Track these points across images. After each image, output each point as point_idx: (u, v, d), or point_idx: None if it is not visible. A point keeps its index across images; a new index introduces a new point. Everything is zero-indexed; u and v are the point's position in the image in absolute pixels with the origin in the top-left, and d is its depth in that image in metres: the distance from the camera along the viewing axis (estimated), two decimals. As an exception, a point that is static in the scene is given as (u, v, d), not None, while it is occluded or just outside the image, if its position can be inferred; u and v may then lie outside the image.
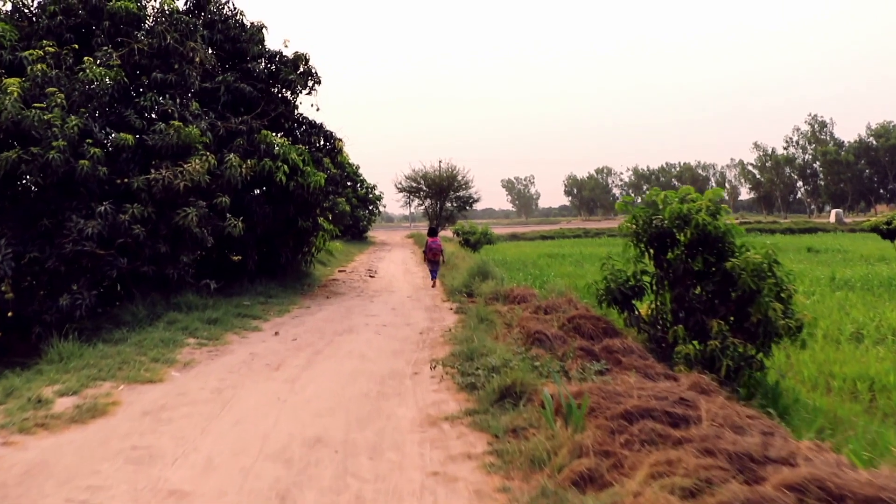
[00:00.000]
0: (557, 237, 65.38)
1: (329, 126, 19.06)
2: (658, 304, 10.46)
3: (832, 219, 76.71)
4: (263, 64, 17.67)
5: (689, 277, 10.10)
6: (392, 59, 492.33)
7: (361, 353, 9.60)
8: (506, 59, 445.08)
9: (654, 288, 10.46)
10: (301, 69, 17.75)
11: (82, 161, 11.66)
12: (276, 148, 15.89)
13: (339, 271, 25.56)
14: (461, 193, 57.61)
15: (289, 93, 17.94)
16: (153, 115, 13.87)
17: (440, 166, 58.21)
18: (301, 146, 17.07)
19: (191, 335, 10.80)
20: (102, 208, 11.66)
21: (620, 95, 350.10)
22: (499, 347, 8.80)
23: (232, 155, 14.00)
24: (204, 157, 13.08)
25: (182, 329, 11.02)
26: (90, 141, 12.02)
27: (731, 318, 9.75)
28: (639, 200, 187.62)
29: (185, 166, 12.56)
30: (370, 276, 23.58)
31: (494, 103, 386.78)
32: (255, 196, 15.85)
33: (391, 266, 29.07)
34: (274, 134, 16.56)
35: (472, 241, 36.43)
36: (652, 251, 10.44)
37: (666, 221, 10.01)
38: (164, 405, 6.85)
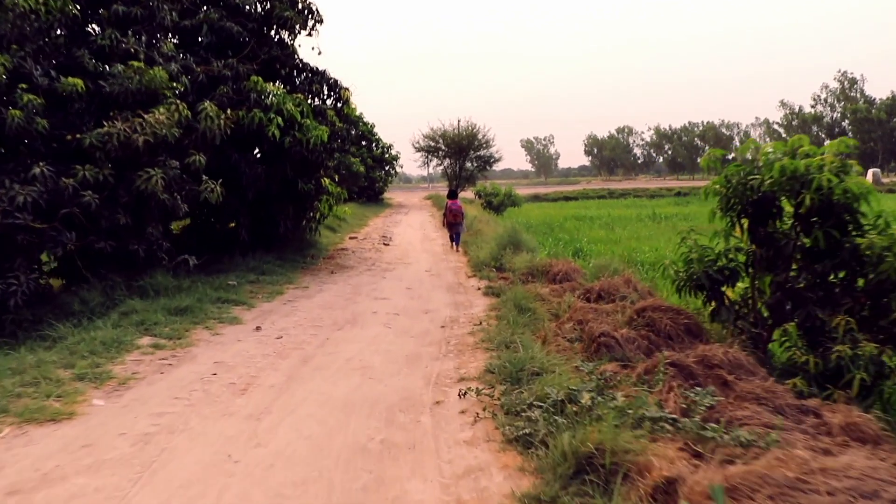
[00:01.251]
0: (581, 198, 62.67)
1: (333, 74, 16.42)
2: (753, 291, 7.93)
3: (869, 178, 73.01)
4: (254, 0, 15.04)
5: (801, 258, 7.57)
6: (388, 22, 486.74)
7: (364, 361, 7.14)
8: (502, 22, 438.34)
9: (750, 270, 7.91)
10: (299, 5, 15.11)
11: (13, 111, 9.20)
12: (270, 97, 13.34)
13: (350, 238, 23.14)
14: (482, 153, 54.76)
15: (286, 33, 15.30)
16: (116, 58, 11.34)
17: (458, 125, 55.39)
18: (299, 95, 14.48)
19: (146, 332, 8.38)
20: (38, 170, 9.21)
21: (626, 55, 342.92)
22: (554, 360, 6.32)
23: (207, 103, 11.43)
24: (173, 107, 10.58)
25: (137, 324, 8.60)
26: (25, 86, 9.54)
27: (854, 313, 7.28)
28: (660, 160, 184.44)
29: (146, 117, 10.05)
30: (384, 244, 21.15)
31: (499, 64, 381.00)
32: (243, 155, 13.35)
33: (408, 231, 26.60)
34: (268, 82, 13.96)
35: (495, 204, 33.87)
36: (745, 222, 7.88)
37: (767, 182, 7.43)
38: (49, 472, 4.43)
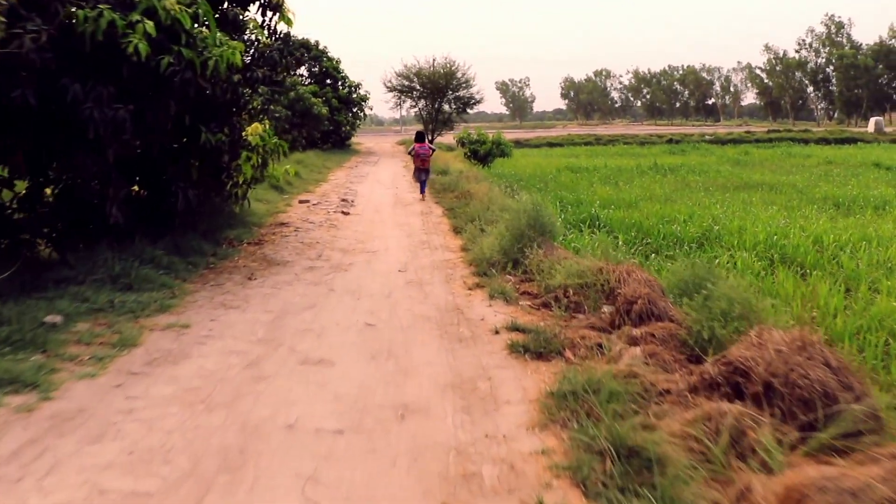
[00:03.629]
0: (567, 144, 56.95)
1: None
2: None
3: (871, 128, 68.64)
4: None
5: None
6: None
7: None
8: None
9: None
10: None
11: None
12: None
13: (301, 202, 17.69)
14: (461, 93, 48.84)
15: None
16: None
17: (433, 63, 49.31)
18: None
19: None
20: None
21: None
22: None
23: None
24: None
25: None
26: None
27: None
28: (638, 104, 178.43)
29: None
30: (343, 213, 15.81)
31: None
32: (90, 87, 7.78)
33: (376, 190, 21.22)
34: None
35: (482, 154, 28.41)
36: None
37: None
38: None
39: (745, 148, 45.73)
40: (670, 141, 56.55)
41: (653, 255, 11.22)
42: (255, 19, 10.30)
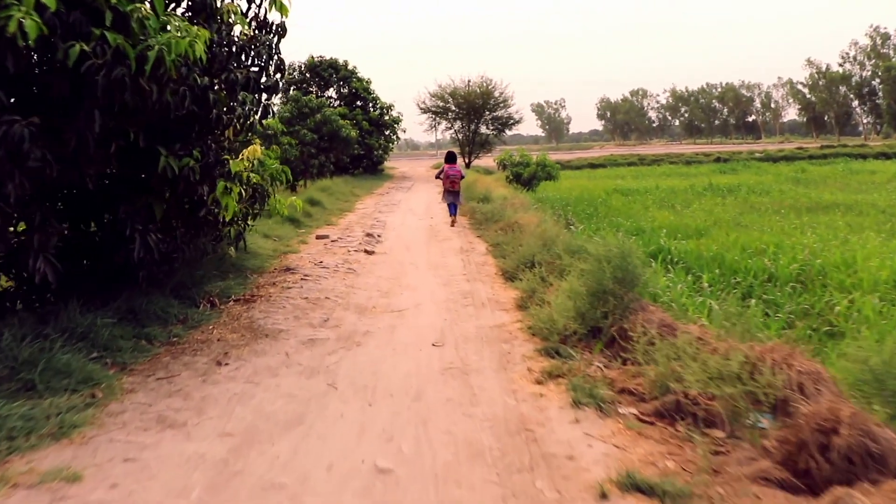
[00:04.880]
0: (609, 165, 54.19)
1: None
2: None
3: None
4: None
5: None
6: None
7: None
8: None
9: None
10: None
11: None
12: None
13: (318, 238, 15.04)
14: (499, 113, 46.05)
15: None
16: None
17: (468, 83, 46.68)
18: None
19: None
20: None
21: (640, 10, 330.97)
22: None
23: None
24: None
25: None
26: None
27: None
28: (676, 123, 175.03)
29: None
30: (366, 251, 13.12)
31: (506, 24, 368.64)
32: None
33: (408, 221, 18.53)
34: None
35: (525, 177, 25.67)
36: None
37: None
38: None
39: (801, 165, 42.93)
40: (718, 160, 53.77)
41: (751, 300, 8.66)
42: (237, 5, 7.67)
